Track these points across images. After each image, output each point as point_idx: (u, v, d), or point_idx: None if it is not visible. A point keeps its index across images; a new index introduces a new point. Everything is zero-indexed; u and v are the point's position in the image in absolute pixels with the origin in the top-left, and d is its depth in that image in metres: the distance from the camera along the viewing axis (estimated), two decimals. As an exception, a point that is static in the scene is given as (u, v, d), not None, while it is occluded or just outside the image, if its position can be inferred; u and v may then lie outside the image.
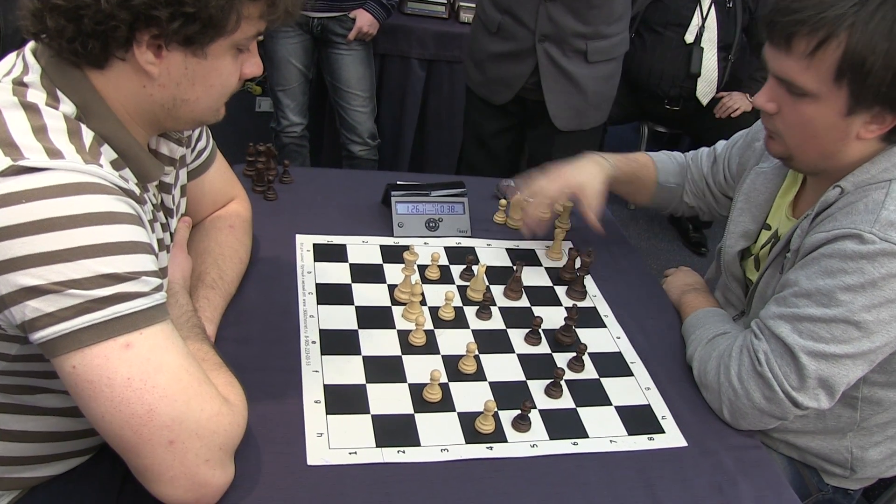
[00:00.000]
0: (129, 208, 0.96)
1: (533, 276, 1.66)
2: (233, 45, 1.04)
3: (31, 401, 1.12)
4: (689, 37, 3.53)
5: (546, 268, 1.69)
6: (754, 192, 1.55)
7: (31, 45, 1.04)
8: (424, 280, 1.57)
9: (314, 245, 1.61)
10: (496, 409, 1.26)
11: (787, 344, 1.26)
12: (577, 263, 1.66)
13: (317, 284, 1.49)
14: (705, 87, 3.63)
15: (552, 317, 1.52)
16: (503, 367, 1.39)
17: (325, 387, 1.26)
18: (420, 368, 1.34)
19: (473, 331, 1.46)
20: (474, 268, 1.58)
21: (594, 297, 1.63)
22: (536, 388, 1.35)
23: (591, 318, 1.56)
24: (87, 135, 0.98)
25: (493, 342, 1.44)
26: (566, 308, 1.53)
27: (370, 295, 1.50)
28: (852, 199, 1.28)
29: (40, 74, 0.99)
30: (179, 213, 1.32)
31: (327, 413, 1.21)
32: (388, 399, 1.27)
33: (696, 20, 3.52)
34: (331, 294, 1.48)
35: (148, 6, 0.93)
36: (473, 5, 3.52)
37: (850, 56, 1.17)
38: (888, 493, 1.72)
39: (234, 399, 1.05)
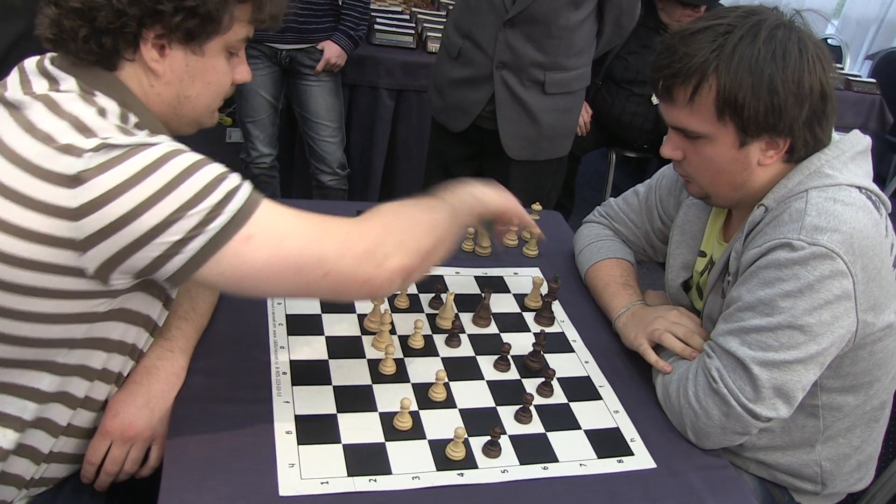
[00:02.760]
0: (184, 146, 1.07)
1: (502, 303, 1.67)
2: (226, 45, 1.16)
3: (83, 389, 1.17)
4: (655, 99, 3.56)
5: (514, 294, 1.71)
6: (687, 224, 1.61)
7: (37, 60, 1.13)
8: (394, 309, 1.58)
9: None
10: (466, 436, 1.27)
11: (738, 357, 1.29)
12: (544, 290, 1.69)
13: (287, 315, 1.50)
14: None
15: (521, 343, 1.54)
16: (473, 394, 1.40)
17: (297, 417, 1.27)
18: (390, 397, 1.34)
19: (443, 358, 1.47)
20: (443, 296, 1.59)
21: (562, 323, 1.65)
22: (506, 413, 1.37)
23: (560, 344, 1.58)
24: (133, 119, 1.11)
25: (462, 369, 1.45)
26: (534, 334, 1.55)
27: (340, 325, 1.51)
28: (776, 213, 1.35)
29: (75, 81, 1.08)
30: None
31: (299, 443, 1.22)
32: (359, 428, 1.27)
33: None
34: (301, 325, 1.48)
35: (155, 0, 1.04)
36: (441, 35, 3.58)
37: (723, 95, 1.28)
38: (856, 508, 1.75)
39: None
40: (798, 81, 1.26)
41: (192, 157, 1.03)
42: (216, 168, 1.04)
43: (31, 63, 1.14)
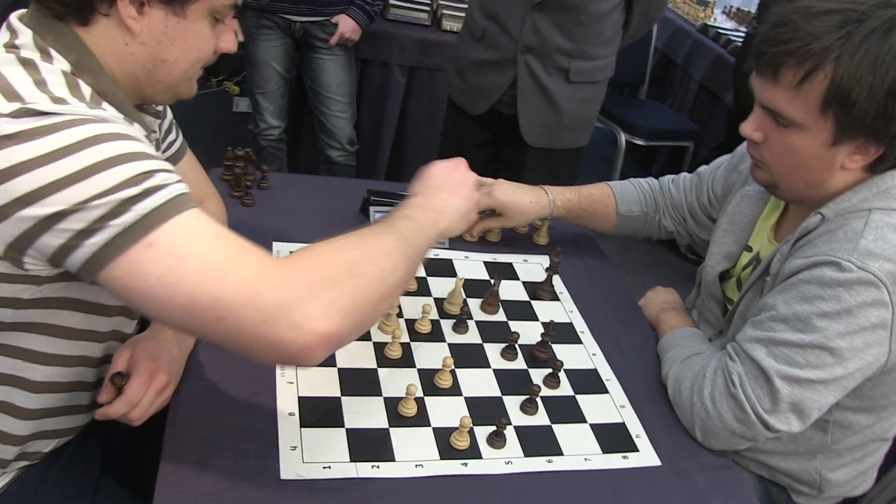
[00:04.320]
0: (135, 132, 0.98)
1: (511, 290, 1.65)
2: (210, 10, 1.08)
3: (23, 370, 1.11)
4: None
5: (524, 282, 1.69)
6: (738, 214, 1.56)
7: (14, 14, 1.06)
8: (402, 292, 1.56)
9: (291, 253, 1.60)
10: (471, 425, 1.25)
11: (762, 367, 1.27)
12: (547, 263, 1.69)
13: (293, 293, 1.48)
14: None
15: (529, 332, 1.52)
16: (479, 382, 1.38)
17: (300, 399, 1.25)
18: (396, 382, 1.33)
19: (450, 344, 1.46)
20: (452, 280, 1.57)
21: (571, 313, 1.63)
22: (512, 404, 1.35)
23: (568, 334, 1.56)
24: (86, 89, 1.01)
25: (469, 357, 1.44)
26: (543, 324, 1.53)
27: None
28: (832, 227, 1.29)
29: (31, 36, 1.01)
30: None
31: (301, 426, 1.20)
32: (364, 413, 1.26)
33: None
34: (307, 304, 1.46)
35: None
36: (456, 13, 3.55)
37: (836, 88, 1.19)
38: (854, 512, 1.74)
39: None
40: None
41: (126, 146, 0.92)
42: (146, 164, 0.93)
43: (14, 16, 1.07)
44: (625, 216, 1.81)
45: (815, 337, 1.23)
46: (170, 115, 1.38)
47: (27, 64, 0.98)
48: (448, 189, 1.28)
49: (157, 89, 1.13)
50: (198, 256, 0.91)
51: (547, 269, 1.66)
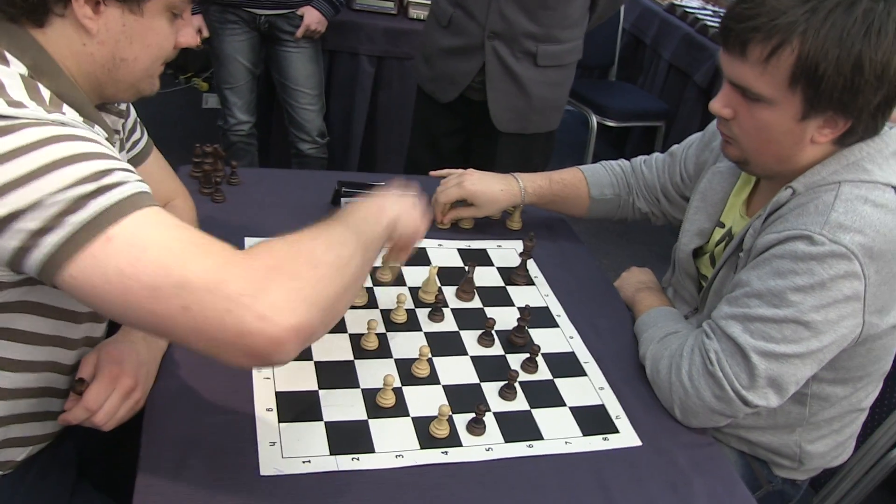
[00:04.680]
0: (93, 134, 0.96)
1: (485, 277, 1.65)
2: (168, 6, 1.07)
3: None
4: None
5: (498, 267, 1.69)
6: (710, 190, 1.57)
7: None
8: (375, 283, 1.56)
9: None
10: (451, 413, 1.25)
11: (739, 344, 1.27)
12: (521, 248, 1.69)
13: (267, 289, 1.47)
14: None
15: (505, 317, 1.52)
16: (457, 370, 1.38)
17: (277, 394, 1.24)
18: (373, 373, 1.32)
19: (426, 333, 1.45)
20: (426, 269, 1.57)
21: (546, 297, 1.63)
22: (490, 390, 1.35)
23: (544, 318, 1.56)
24: (45, 91, 0.98)
25: (446, 345, 1.43)
26: (519, 309, 1.53)
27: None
28: (803, 201, 1.30)
29: None
30: None
31: (279, 421, 1.19)
32: (342, 405, 1.25)
33: None
34: (281, 298, 1.45)
35: None
36: (423, 1, 3.52)
37: (803, 62, 1.19)
38: (833, 480, 1.76)
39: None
40: (885, 63, 1.17)
41: (80, 146, 0.90)
42: (103, 164, 0.90)
43: None
44: (597, 200, 1.81)
45: (790, 311, 1.24)
46: (133, 113, 1.36)
47: None
48: (388, 196, 1.22)
49: (118, 88, 1.11)
50: (159, 245, 0.88)
51: (521, 254, 1.66)
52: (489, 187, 1.74)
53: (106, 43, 1.04)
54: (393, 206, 1.19)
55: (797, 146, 1.30)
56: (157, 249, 0.88)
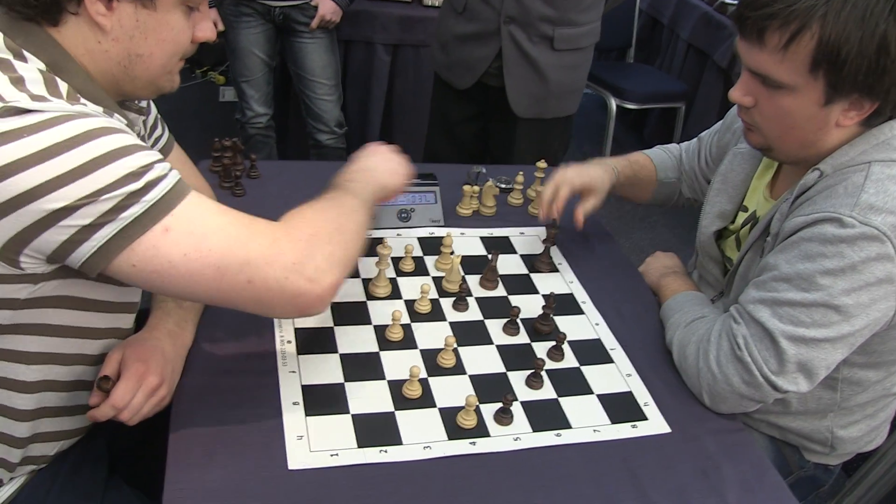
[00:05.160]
0: (119, 123, 1.00)
1: (509, 265, 1.64)
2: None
3: (15, 372, 1.09)
4: None
5: (521, 255, 1.68)
6: (731, 172, 1.55)
7: None
8: (399, 273, 1.55)
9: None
10: (477, 404, 1.24)
11: (767, 328, 1.25)
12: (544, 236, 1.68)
13: (290, 282, 1.47)
14: None
15: (529, 305, 1.51)
16: (482, 360, 1.37)
17: (303, 387, 1.24)
18: (398, 364, 1.32)
19: (451, 323, 1.44)
20: (451, 256, 1.56)
21: (571, 284, 1.61)
22: (517, 379, 1.34)
23: (569, 305, 1.55)
24: (63, 86, 1.00)
25: (471, 334, 1.42)
26: (543, 296, 1.52)
27: (344, 290, 1.46)
28: (831, 183, 1.27)
29: (2, 38, 0.99)
30: None
31: (306, 415, 1.19)
32: (368, 397, 1.25)
33: None
34: (304, 291, 1.45)
35: None
36: (437, -12, 3.50)
37: (824, 47, 1.15)
38: (866, 465, 1.74)
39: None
40: None
41: (118, 139, 0.94)
42: (143, 157, 0.95)
43: None
44: (663, 182, 1.80)
45: (820, 295, 1.22)
46: (154, 110, 1.36)
47: (1, 64, 0.96)
48: (373, 158, 1.40)
49: (136, 85, 1.11)
50: (218, 230, 1.00)
51: (544, 241, 1.64)
52: (595, 174, 1.67)
53: (120, 39, 1.04)
54: (382, 168, 1.37)
55: (821, 131, 1.27)
56: (216, 235, 0.99)
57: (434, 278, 1.55)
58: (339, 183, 1.27)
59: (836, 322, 1.22)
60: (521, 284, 1.59)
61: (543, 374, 1.34)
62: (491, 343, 1.41)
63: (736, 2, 3.88)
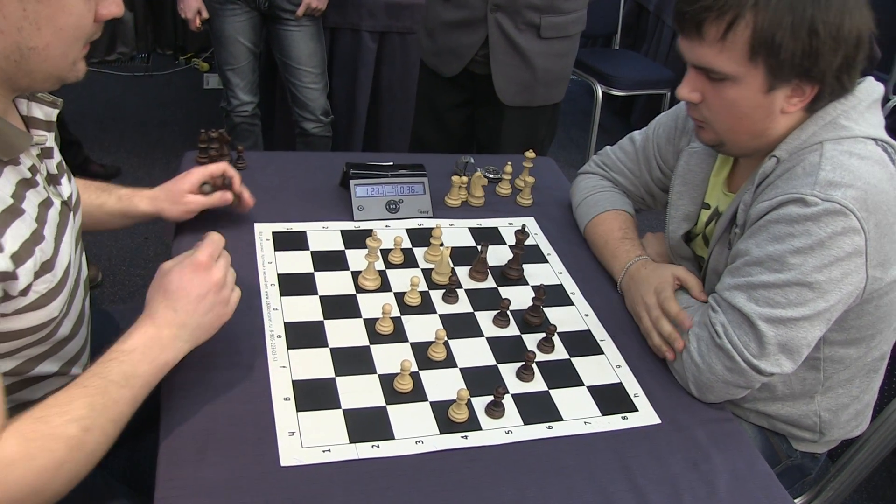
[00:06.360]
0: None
1: (498, 255, 1.64)
2: None
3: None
4: None
5: (510, 246, 1.68)
6: (689, 173, 1.57)
7: None
8: (388, 265, 1.55)
9: (273, 233, 1.58)
10: (469, 397, 1.24)
11: (745, 313, 1.27)
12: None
13: (279, 275, 1.46)
14: None
15: (519, 297, 1.51)
16: (473, 352, 1.37)
17: (294, 382, 1.24)
18: (389, 358, 1.32)
19: (441, 315, 1.44)
20: (441, 248, 1.55)
21: (560, 275, 1.62)
22: (507, 371, 1.34)
23: (559, 297, 1.55)
24: None
25: (461, 326, 1.42)
26: (533, 287, 1.52)
27: (334, 283, 1.47)
28: (789, 166, 1.31)
29: None
30: (67, 175, 1.23)
31: (298, 410, 1.19)
32: (359, 392, 1.24)
33: None
34: (293, 284, 1.45)
35: None
36: (423, -25, 3.47)
37: (759, 34, 1.21)
38: (849, 451, 1.76)
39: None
40: (839, 25, 1.20)
41: None
42: None
43: None
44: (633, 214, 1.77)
45: (793, 275, 1.24)
46: (57, 157, 1.21)
47: None
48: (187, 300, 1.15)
49: (33, 79, 1.01)
50: None
51: (514, 248, 1.59)
52: (680, 269, 1.50)
53: (7, 32, 0.94)
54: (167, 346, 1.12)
55: (768, 119, 1.31)
56: None
57: (423, 270, 1.55)
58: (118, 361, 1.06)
59: (811, 300, 1.24)
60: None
61: (534, 366, 1.34)
62: (481, 335, 1.41)
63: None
